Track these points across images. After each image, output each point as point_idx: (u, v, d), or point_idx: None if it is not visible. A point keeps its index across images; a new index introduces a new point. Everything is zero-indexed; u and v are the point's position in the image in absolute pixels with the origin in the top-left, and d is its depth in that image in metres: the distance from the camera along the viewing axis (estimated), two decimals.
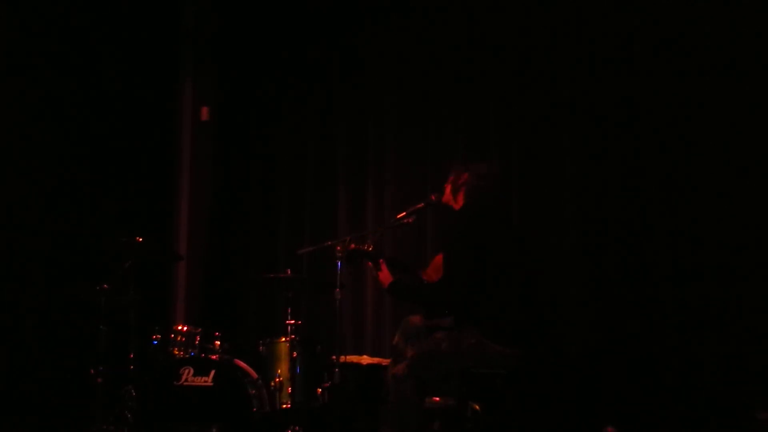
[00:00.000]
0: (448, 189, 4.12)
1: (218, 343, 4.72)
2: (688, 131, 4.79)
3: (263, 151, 6.12)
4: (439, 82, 5.55)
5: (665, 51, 4.88)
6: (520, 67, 5.27)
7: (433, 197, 4.22)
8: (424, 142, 5.60)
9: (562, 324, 4.90)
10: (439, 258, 4.19)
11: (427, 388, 3.94)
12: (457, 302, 3.82)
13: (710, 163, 4.73)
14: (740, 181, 4.65)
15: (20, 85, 5.05)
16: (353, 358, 4.80)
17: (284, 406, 4.51)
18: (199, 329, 4.75)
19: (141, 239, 4.65)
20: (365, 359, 4.82)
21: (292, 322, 4.67)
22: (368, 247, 4.12)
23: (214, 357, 4.59)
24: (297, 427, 4.43)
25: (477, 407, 3.85)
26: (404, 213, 4.29)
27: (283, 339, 4.62)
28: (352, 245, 4.13)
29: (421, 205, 4.27)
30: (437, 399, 4.05)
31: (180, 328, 4.74)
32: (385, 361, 4.67)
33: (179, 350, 4.65)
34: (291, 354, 4.57)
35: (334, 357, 4.24)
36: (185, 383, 4.45)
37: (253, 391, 4.41)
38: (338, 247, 4.16)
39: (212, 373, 4.45)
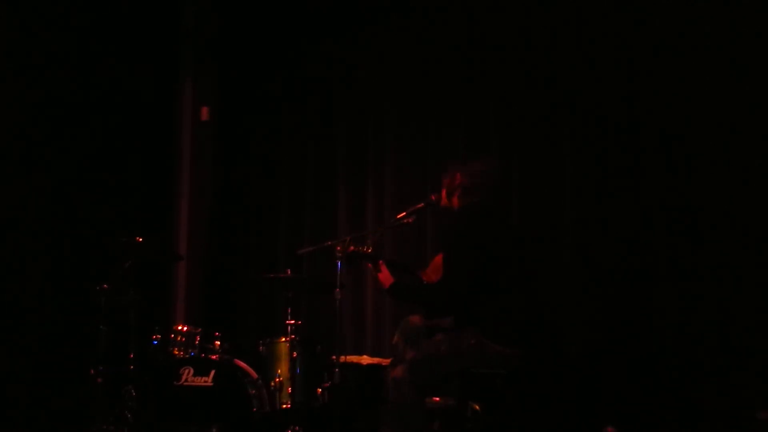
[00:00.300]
0: (443, 193, 4.11)
1: (218, 343, 4.73)
2: (688, 131, 4.79)
3: (263, 151, 6.12)
4: (439, 82, 5.55)
5: (665, 51, 4.88)
6: (520, 67, 5.27)
7: (433, 197, 4.21)
8: (424, 142, 5.60)
9: (562, 324, 4.90)
10: (438, 258, 4.19)
11: (427, 389, 3.93)
12: (456, 302, 3.82)
13: (710, 163, 4.72)
14: (740, 181, 4.65)
15: (20, 85, 5.04)
16: (353, 358, 4.80)
17: (284, 406, 4.51)
18: (199, 329, 4.76)
19: (141, 239, 4.65)
20: (365, 359, 4.82)
21: (292, 322, 4.67)
22: (367, 249, 4.13)
23: (214, 357, 4.59)
24: (297, 427, 4.43)
25: (477, 407, 3.85)
26: (404, 213, 4.28)
27: (283, 339, 4.62)
28: (351, 247, 4.13)
29: (421, 205, 4.26)
30: (437, 399, 4.05)
31: (180, 328, 4.74)
32: (385, 361, 4.67)
33: (179, 350, 4.66)
34: (291, 354, 4.57)
35: (334, 357, 4.23)
36: (185, 383, 4.45)
37: (253, 391, 4.42)
38: (338, 247, 4.16)
39: (212, 373, 4.45)
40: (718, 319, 4.60)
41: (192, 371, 4.47)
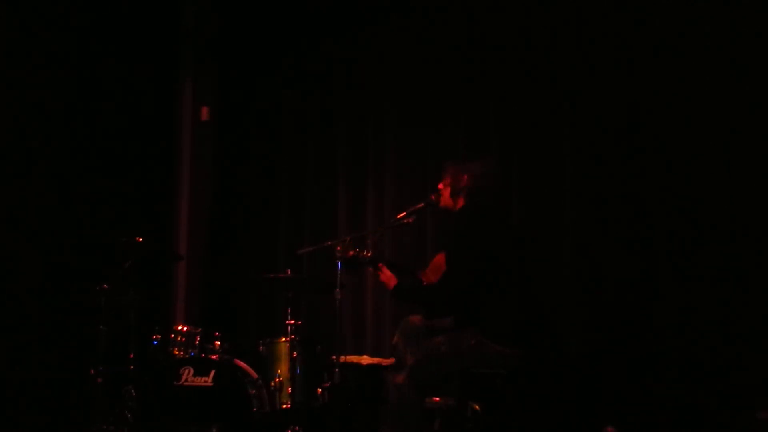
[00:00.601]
0: (447, 193, 4.10)
1: (218, 343, 4.72)
2: (688, 132, 4.79)
3: (263, 151, 6.12)
4: (439, 82, 5.54)
5: (665, 51, 4.88)
6: (520, 67, 5.27)
7: (432, 197, 4.21)
8: (424, 143, 5.59)
9: (562, 324, 4.90)
10: (438, 259, 4.19)
11: (427, 389, 3.93)
12: (457, 302, 3.82)
13: (711, 164, 4.72)
14: (740, 181, 4.65)
15: (20, 85, 5.04)
16: (353, 358, 4.79)
17: (284, 406, 4.51)
18: (199, 329, 4.76)
19: (141, 239, 4.66)
20: (365, 359, 4.81)
21: (292, 322, 4.67)
22: (366, 253, 4.13)
23: (214, 357, 4.59)
24: (297, 427, 4.42)
25: (477, 407, 3.85)
26: (404, 213, 4.29)
27: (283, 339, 4.62)
28: (350, 252, 4.13)
29: (421, 205, 4.26)
30: (437, 399, 4.05)
31: (180, 328, 4.74)
32: (385, 361, 4.67)
33: (179, 350, 4.66)
34: (291, 354, 4.57)
35: (334, 357, 4.24)
36: (185, 383, 4.45)
37: (253, 391, 4.42)
38: (338, 247, 4.16)
39: (212, 373, 4.45)
40: (718, 319, 4.60)
41: (192, 371, 4.47)
